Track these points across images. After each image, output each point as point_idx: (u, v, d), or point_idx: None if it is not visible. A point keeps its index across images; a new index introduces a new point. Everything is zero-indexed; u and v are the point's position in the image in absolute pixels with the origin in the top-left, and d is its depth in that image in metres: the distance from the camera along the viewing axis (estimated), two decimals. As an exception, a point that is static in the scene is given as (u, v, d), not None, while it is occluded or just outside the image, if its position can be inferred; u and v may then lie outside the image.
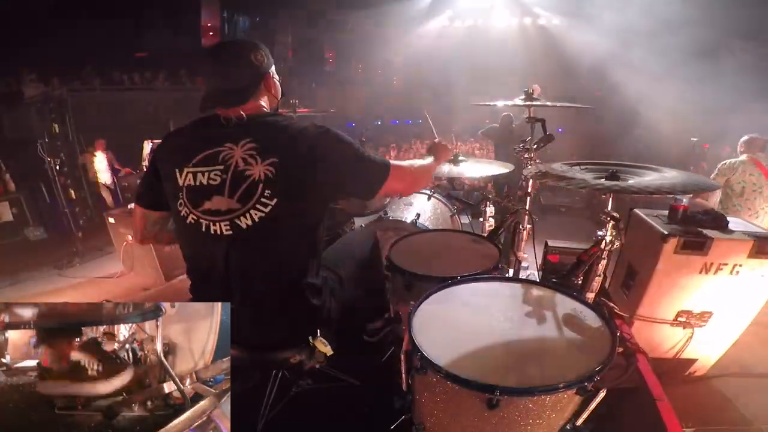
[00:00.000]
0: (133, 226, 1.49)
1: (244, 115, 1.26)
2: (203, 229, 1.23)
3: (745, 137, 3.52)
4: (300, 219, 1.26)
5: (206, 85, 1.31)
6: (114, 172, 6.93)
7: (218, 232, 1.21)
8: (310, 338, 1.34)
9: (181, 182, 1.25)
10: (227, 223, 1.21)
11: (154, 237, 1.49)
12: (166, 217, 1.44)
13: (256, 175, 1.19)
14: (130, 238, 4.32)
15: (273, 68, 1.39)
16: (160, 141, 1.40)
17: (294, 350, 1.34)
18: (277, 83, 1.40)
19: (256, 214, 1.20)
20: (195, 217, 1.23)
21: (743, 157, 3.45)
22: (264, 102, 1.35)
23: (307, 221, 1.28)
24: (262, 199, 1.19)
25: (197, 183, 1.23)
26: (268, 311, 1.30)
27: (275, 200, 1.19)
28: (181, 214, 1.26)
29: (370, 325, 1.90)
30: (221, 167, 1.22)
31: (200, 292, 1.40)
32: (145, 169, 2.20)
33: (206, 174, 1.23)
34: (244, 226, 1.20)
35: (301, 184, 1.22)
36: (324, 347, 1.33)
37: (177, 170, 1.26)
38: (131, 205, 4.39)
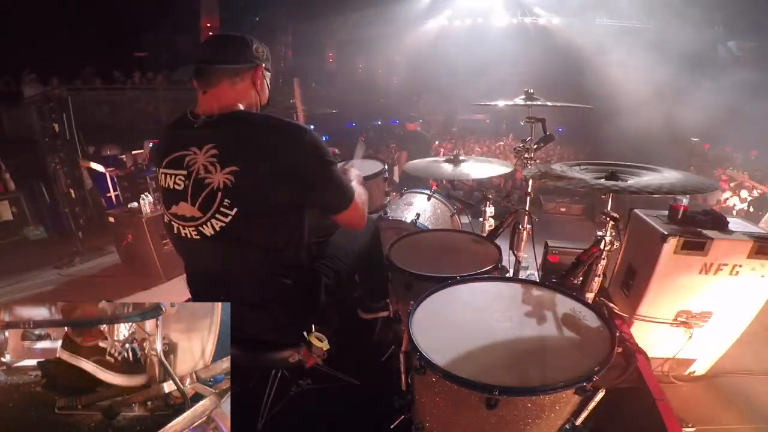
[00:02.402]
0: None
1: (215, 113, 1.19)
2: (175, 231, 1.24)
3: None
4: (267, 228, 1.20)
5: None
6: (111, 176, 6.91)
7: (188, 236, 1.21)
8: (305, 334, 1.33)
9: (160, 181, 1.26)
10: (193, 228, 1.20)
11: None
12: None
13: (215, 183, 1.14)
14: (130, 237, 4.32)
15: (268, 70, 1.34)
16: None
17: (289, 349, 1.34)
18: (266, 86, 1.35)
19: (217, 223, 1.17)
20: (168, 219, 1.24)
21: None
22: (247, 97, 1.28)
23: (278, 229, 1.22)
24: (221, 209, 1.15)
25: (167, 185, 1.22)
26: (251, 309, 1.28)
27: (235, 210, 1.15)
28: (163, 213, 1.28)
29: (368, 302, 1.89)
30: (185, 172, 1.18)
31: (193, 287, 1.41)
32: (146, 169, 2.17)
33: (173, 177, 1.20)
34: (208, 234, 1.18)
35: (263, 195, 1.16)
36: (319, 342, 1.32)
37: (157, 169, 1.27)
38: (131, 205, 4.39)
